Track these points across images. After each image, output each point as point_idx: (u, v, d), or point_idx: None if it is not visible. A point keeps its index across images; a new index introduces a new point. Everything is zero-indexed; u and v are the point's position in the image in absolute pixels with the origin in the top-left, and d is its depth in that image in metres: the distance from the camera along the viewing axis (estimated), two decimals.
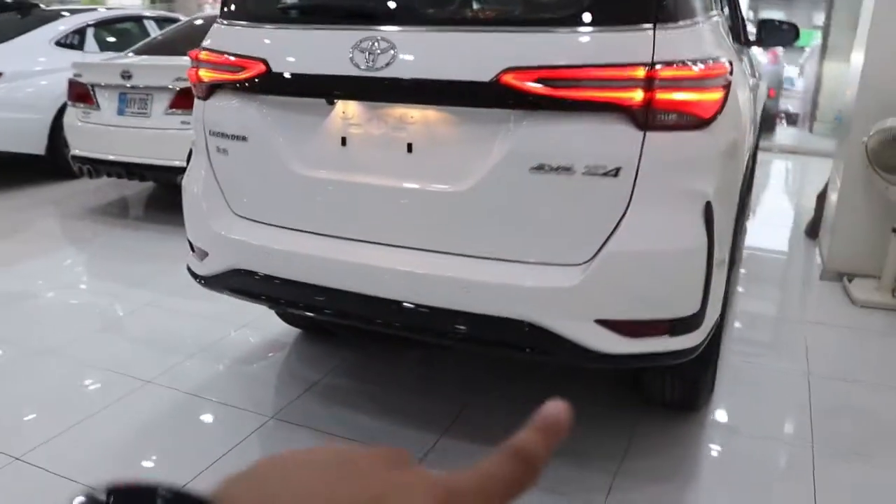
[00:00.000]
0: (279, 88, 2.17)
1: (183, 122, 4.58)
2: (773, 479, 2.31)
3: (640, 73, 1.77)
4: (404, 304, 2.04)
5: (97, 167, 4.98)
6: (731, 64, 1.95)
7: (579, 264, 1.89)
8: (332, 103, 2.09)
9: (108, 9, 7.32)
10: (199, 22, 5.94)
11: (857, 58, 4.06)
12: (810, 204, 5.11)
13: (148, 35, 6.67)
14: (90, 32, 6.54)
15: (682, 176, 1.86)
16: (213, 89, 2.31)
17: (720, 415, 2.64)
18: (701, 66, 1.83)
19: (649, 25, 1.79)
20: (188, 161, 2.55)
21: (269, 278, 2.23)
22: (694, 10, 1.92)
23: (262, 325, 3.23)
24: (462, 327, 2.03)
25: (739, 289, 3.89)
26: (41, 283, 3.89)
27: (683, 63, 1.80)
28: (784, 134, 10.52)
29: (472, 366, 2.95)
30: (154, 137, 4.72)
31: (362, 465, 0.35)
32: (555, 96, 1.81)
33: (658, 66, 1.77)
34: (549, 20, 1.89)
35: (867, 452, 2.41)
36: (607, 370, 2.81)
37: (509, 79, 1.82)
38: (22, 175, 6.02)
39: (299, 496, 0.33)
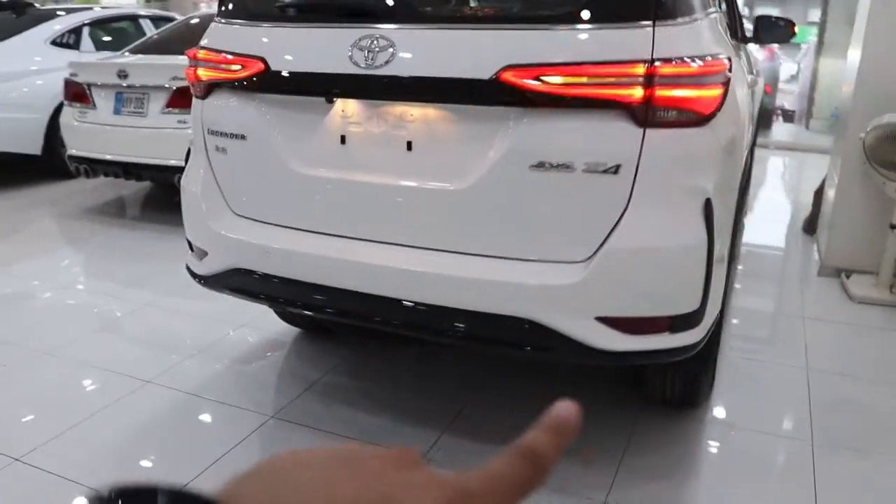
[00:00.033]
0: (278, 87, 2.16)
1: (180, 122, 4.57)
2: (773, 475, 2.31)
3: (640, 69, 1.77)
4: (404, 302, 2.04)
5: (94, 167, 4.96)
6: (729, 60, 1.95)
7: (580, 262, 1.89)
8: (331, 102, 2.09)
9: (103, 8, 7.28)
10: (194, 21, 5.93)
11: (854, 54, 4.06)
12: (807, 200, 5.12)
13: (144, 34, 6.65)
14: (86, 32, 6.52)
15: (682, 173, 1.86)
16: (211, 88, 2.31)
17: (720, 411, 2.65)
18: (700, 62, 1.84)
19: (648, 22, 1.79)
20: (186, 160, 2.54)
21: (268, 277, 2.22)
22: (692, 7, 1.92)
23: (262, 324, 3.23)
24: (461, 325, 2.03)
25: (737, 285, 3.90)
26: (39, 283, 3.88)
27: (683, 60, 1.80)
28: (780, 130, 10.53)
29: (471, 364, 2.95)
30: (151, 137, 4.71)
31: (371, 465, 0.35)
32: (554, 94, 1.81)
33: (657, 63, 1.77)
34: (549, 17, 1.88)
35: (867, 447, 2.42)
36: (608, 367, 2.81)
37: (509, 76, 1.82)
38: (18, 175, 6.00)
39: (307, 496, 0.33)
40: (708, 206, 1.88)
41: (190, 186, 2.42)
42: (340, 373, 2.86)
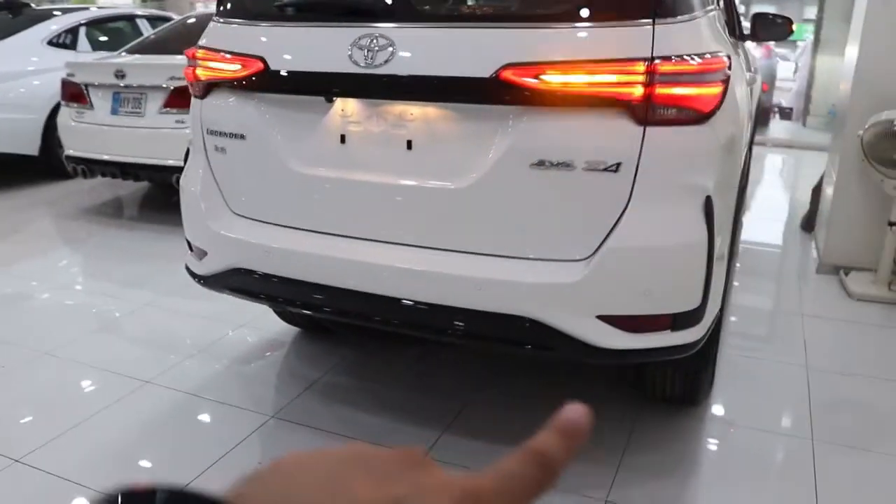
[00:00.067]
0: (277, 86, 2.16)
1: (177, 122, 4.56)
2: (773, 472, 2.32)
3: (640, 68, 1.77)
4: (404, 301, 2.04)
5: (91, 167, 4.95)
6: (729, 58, 1.95)
7: (580, 260, 1.89)
8: (330, 101, 2.09)
9: (99, 8, 7.27)
10: (191, 21, 5.92)
11: (852, 51, 4.07)
12: (805, 197, 5.13)
13: (140, 34, 6.64)
14: (82, 32, 6.50)
15: (682, 171, 1.86)
16: (210, 88, 2.30)
17: (720, 409, 2.65)
18: (700, 60, 1.84)
19: (648, 20, 1.79)
20: (185, 160, 2.54)
21: (268, 277, 2.22)
22: (692, 5, 1.92)
23: (261, 324, 3.22)
24: (462, 324, 2.03)
25: (736, 283, 3.90)
26: (37, 283, 3.87)
27: (682, 58, 1.80)
28: (778, 128, 10.54)
29: (471, 362, 2.95)
30: (148, 137, 4.70)
31: (381, 467, 0.35)
32: (554, 92, 1.81)
33: (657, 61, 1.77)
34: (549, 16, 1.88)
35: (866, 444, 2.42)
36: (608, 365, 2.82)
37: (509, 75, 1.82)
38: (16, 176, 5.99)
39: (316, 497, 0.33)
40: (708, 204, 1.88)
41: (189, 186, 2.41)
42: (340, 372, 2.85)
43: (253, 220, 2.30)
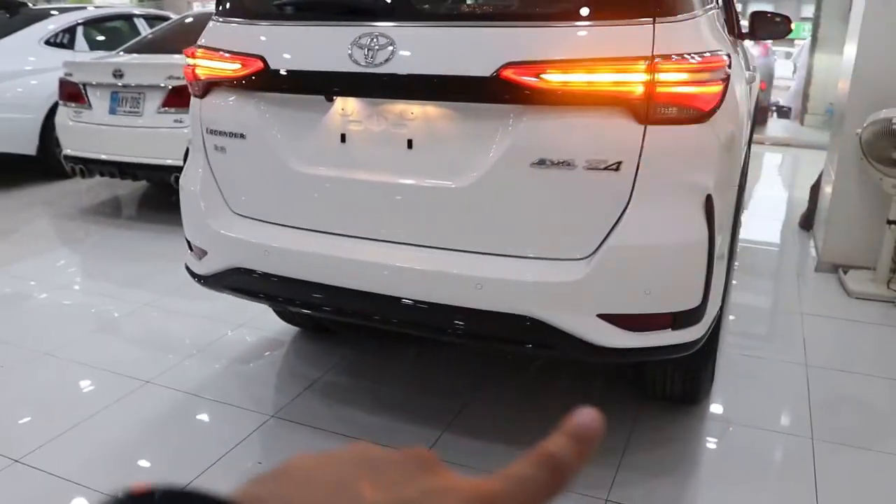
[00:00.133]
0: (277, 86, 2.15)
1: (175, 121, 4.56)
2: (773, 471, 2.32)
3: (641, 66, 1.77)
4: (404, 300, 2.04)
5: (89, 167, 4.95)
6: (729, 57, 1.95)
7: (581, 259, 1.89)
8: (331, 100, 2.08)
9: (97, 7, 7.26)
10: (189, 20, 5.91)
11: (850, 50, 4.07)
12: (803, 196, 5.13)
13: (138, 33, 6.63)
14: (80, 31, 6.49)
15: (682, 169, 1.86)
16: (210, 87, 2.30)
17: (720, 408, 2.65)
18: (700, 59, 1.84)
19: (649, 19, 1.79)
20: (185, 160, 2.54)
21: (268, 276, 2.22)
22: (692, 4, 1.92)
23: (261, 323, 3.22)
24: (462, 323, 2.03)
25: (735, 282, 3.91)
26: (36, 283, 3.87)
27: (683, 56, 1.80)
28: (775, 126, 10.56)
29: (471, 361, 2.95)
30: (146, 136, 4.70)
31: (390, 468, 0.35)
32: (555, 91, 1.81)
33: (658, 60, 1.77)
34: (549, 15, 1.88)
35: (866, 442, 2.42)
36: (609, 364, 2.82)
37: (509, 74, 1.81)
38: (13, 176, 5.98)
39: (324, 500, 0.32)
40: (709, 203, 1.88)
41: (189, 186, 2.41)
42: (340, 372, 2.85)
43: (253, 219, 2.29)
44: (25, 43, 6.06)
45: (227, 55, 2.22)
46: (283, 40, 2.18)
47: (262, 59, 2.12)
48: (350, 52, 1.97)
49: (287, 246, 2.18)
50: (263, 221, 2.27)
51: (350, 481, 0.33)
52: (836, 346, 3.24)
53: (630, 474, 2.23)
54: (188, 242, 2.44)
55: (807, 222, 4.93)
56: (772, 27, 3.54)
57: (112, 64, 4.87)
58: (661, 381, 2.49)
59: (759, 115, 8.70)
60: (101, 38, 6.72)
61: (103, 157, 4.85)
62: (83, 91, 4.94)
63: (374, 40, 1.95)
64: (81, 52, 6.32)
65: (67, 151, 5.03)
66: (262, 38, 2.19)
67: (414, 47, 1.95)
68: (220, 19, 2.33)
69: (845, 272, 3.94)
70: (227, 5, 2.33)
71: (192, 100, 2.39)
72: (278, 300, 2.47)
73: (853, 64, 3.88)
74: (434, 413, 2.53)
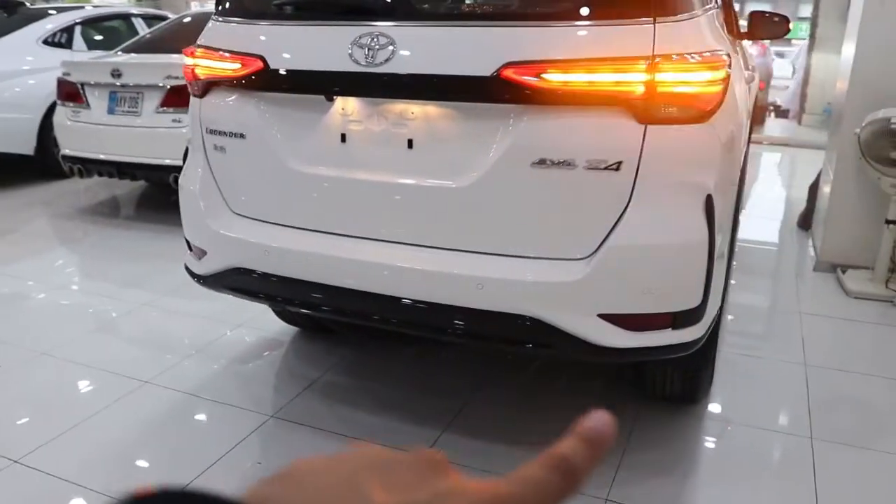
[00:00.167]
0: (277, 85, 2.15)
1: (174, 121, 4.56)
2: (773, 470, 2.32)
3: (641, 66, 1.77)
4: (404, 300, 2.04)
5: (88, 167, 4.94)
6: (729, 57, 1.95)
7: (582, 259, 1.89)
8: (331, 100, 2.08)
9: (95, 7, 7.24)
10: (187, 19, 5.91)
11: (849, 49, 4.08)
12: (801, 195, 5.14)
13: (136, 33, 6.63)
14: (78, 31, 6.49)
15: (683, 169, 1.86)
16: (209, 87, 2.30)
17: (719, 407, 2.65)
18: (700, 59, 1.84)
19: (649, 19, 1.79)
20: (184, 159, 2.53)
21: (267, 276, 2.22)
22: (692, 4, 1.92)
23: (260, 323, 3.22)
24: (462, 323, 2.03)
25: (733, 281, 3.91)
26: (34, 283, 3.86)
27: (683, 56, 1.80)
28: (773, 126, 10.57)
29: (471, 361, 2.94)
30: (145, 136, 4.69)
31: (399, 471, 0.34)
32: (556, 90, 1.81)
33: (658, 60, 1.77)
34: (549, 14, 1.88)
35: (865, 441, 2.43)
36: (609, 364, 2.82)
37: (510, 73, 1.81)
38: (11, 176, 5.97)
39: (336, 502, 0.32)
40: (709, 202, 1.88)
41: (188, 185, 2.41)
42: (340, 371, 2.85)
43: (252, 219, 2.29)
44: (23, 42, 6.05)
45: (226, 55, 2.22)
46: (283, 40, 2.17)
47: (262, 58, 2.12)
48: (350, 51, 1.97)
49: (287, 246, 2.17)
50: (263, 221, 2.27)
51: (360, 483, 0.33)
52: (834, 345, 3.24)
53: (630, 473, 2.23)
54: (187, 242, 2.44)
55: (805, 222, 4.94)
56: (770, 27, 3.54)
57: (110, 63, 4.86)
58: (660, 381, 2.49)
59: (757, 115, 8.71)
60: (99, 37, 6.71)
61: (101, 156, 4.85)
62: (81, 91, 4.93)
63: (375, 40, 1.95)
64: (79, 52, 6.31)
65: (65, 151, 5.02)
66: (262, 38, 2.19)
67: (414, 47, 1.95)
68: (220, 19, 2.32)
69: (844, 272, 3.95)
70: (227, 5, 2.32)
71: (192, 99, 2.39)
72: (278, 300, 2.47)
73: (851, 63, 3.89)
74: (434, 413, 2.53)
